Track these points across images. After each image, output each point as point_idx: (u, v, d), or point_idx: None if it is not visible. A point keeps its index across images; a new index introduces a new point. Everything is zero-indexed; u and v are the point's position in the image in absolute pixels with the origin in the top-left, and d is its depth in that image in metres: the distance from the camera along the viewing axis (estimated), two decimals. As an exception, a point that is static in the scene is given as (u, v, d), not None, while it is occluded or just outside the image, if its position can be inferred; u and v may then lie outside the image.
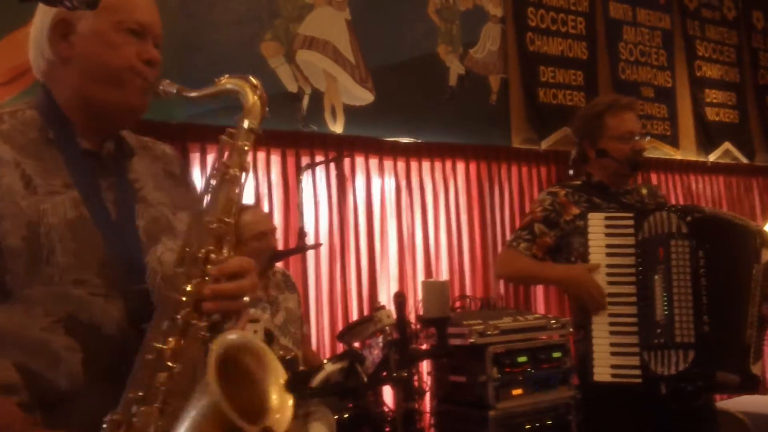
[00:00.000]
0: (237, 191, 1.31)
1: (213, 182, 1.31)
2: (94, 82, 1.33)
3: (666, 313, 2.36)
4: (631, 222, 2.45)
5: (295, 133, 4.28)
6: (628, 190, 2.75)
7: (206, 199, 1.30)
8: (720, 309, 2.37)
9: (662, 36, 6.42)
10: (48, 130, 1.33)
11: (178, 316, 1.23)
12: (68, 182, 1.30)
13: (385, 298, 4.42)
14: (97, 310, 1.26)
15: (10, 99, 3.46)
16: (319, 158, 4.28)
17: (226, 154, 1.32)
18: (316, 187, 4.30)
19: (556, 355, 3.93)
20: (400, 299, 3.30)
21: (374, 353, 3.38)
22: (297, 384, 2.71)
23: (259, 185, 4.13)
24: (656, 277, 2.38)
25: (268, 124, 1.39)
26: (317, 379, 3.19)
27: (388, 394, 3.63)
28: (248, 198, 4.07)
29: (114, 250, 1.29)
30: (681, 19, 6.63)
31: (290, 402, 1.24)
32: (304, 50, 4.44)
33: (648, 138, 2.80)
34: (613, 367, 2.39)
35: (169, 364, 1.21)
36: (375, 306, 3.93)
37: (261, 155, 4.15)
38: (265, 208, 4.09)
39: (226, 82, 1.36)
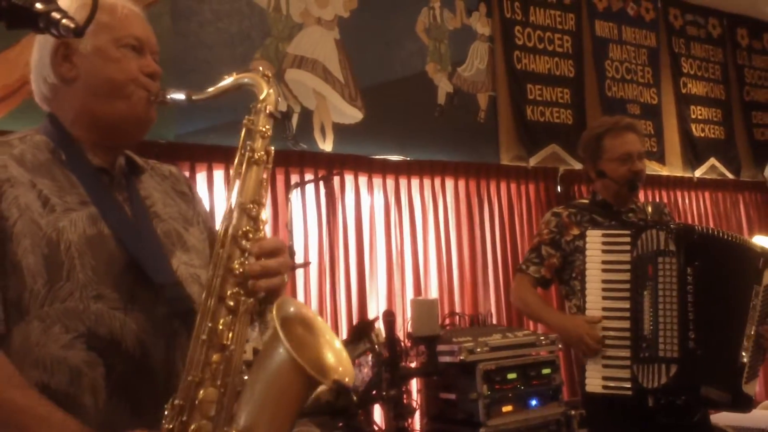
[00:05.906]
0: (265, 174, 1.36)
1: (242, 167, 1.34)
2: (100, 97, 1.36)
3: (651, 327, 2.40)
4: (627, 239, 2.49)
5: (285, 152, 4.28)
6: (632, 209, 2.79)
7: (237, 182, 1.33)
8: (712, 326, 2.39)
9: (648, 53, 6.49)
10: (59, 151, 1.35)
11: (228, 294, 1.24)
12: (84, 200, 1.32)
13: (375, 315, 4.41)
14: (117, 324, 1.26)
15: (1, 118, 3.46)
16: (308, 176, 4.29)
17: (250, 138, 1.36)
18: (305, 205, 4.30)
19: (546, 371, 3.94)
20: (389, 317, 3.31)
21: (364, 372, 3.38)
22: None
23: (248, 204, 4.12)
24: (645, 292, 2.43)
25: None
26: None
27: (378, 413, 3.63)
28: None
29: (138, 262, 1.30)
30: (667, 36, 6.71)
31: (348, 359, 1.27)
32: (293, 69, 4.47)
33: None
34: (605, 378, 2.46)
35: (224, 343, 1.23)
36: (365, 324, 3.93)
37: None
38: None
39: (240, 77, 1.40)
